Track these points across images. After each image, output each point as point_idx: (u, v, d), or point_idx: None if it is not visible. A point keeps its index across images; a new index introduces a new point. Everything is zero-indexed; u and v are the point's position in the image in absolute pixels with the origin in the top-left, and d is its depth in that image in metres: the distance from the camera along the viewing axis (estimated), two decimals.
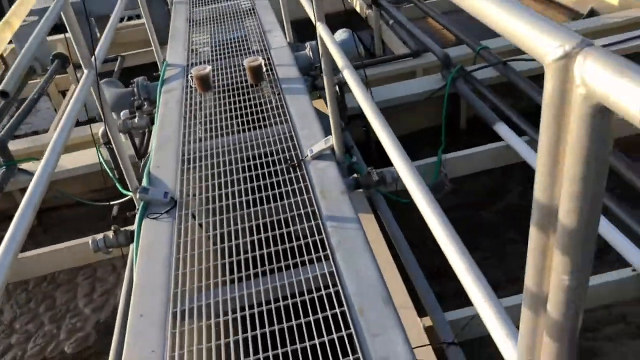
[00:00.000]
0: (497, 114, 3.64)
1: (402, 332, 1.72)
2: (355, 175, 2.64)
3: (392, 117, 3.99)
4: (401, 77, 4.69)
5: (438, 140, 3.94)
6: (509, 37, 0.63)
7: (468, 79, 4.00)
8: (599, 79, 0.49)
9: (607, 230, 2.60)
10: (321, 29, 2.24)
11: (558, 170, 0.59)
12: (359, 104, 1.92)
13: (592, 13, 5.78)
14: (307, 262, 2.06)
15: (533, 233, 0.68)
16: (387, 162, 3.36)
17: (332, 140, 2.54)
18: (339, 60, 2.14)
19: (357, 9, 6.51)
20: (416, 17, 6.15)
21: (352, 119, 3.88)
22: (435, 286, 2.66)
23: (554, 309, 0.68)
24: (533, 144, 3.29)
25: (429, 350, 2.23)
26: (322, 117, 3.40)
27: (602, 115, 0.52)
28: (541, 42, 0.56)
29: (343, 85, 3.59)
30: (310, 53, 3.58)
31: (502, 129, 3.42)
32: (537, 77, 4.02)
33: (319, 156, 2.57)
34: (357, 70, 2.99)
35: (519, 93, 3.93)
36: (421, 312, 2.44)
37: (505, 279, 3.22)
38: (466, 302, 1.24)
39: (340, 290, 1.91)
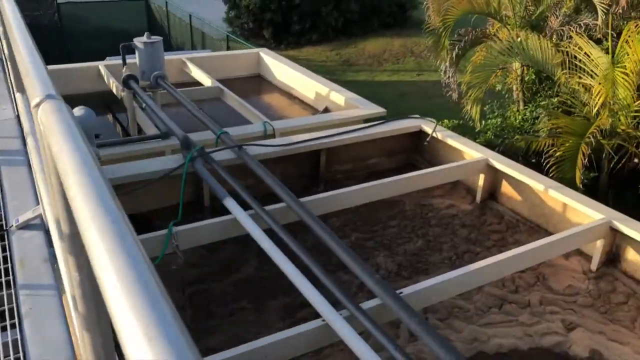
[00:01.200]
0: (231, 192, 3.98)
1: None
2: None
3: (131, 194, 4.09)
4: (151, 156, 4.83)
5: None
6: None
7: (207, 159, 4.32)
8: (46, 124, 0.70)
9: (306, 289, 3.00)
10: (19, 99, 2.28)
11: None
12: None
13: (327, 110, 6.81)
14: None
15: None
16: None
17: (40, 209, 2.53)
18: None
19: (114, 90, 6.59)
20: (173, 103, 6.48)
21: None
22: None
23: None
24: (255, 217, 3.67)
25: None
26: None
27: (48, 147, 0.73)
28: (30, 89, 0.76)
29: None
30: None
31: (230, 203, 3.76)
32: (265, 161, 4.54)
33: (26, 226, 2.52)
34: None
35: (252, 174, 4.38)
36: None
37: (233, 343, 3.41)
38: None
39: (21, 357, 1.87)
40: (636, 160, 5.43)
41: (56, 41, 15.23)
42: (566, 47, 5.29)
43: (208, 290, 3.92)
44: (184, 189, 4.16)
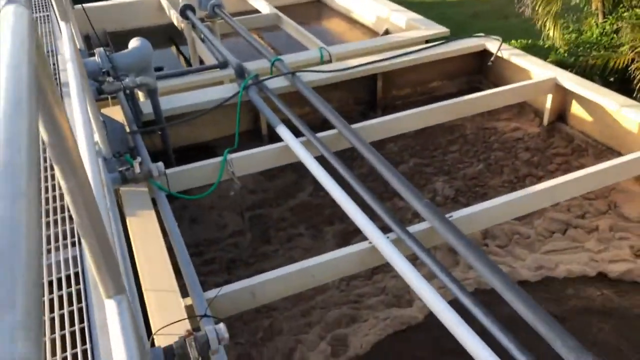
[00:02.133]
0: (285, 120, 4.00)
1: None
2: (121, 169, 2.76)
3: (190, 123, 4.20)
4: (209, 86, 4.90)
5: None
6: None
7: (261, 87, 4.33)
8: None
9: (356, 215, 3.01)
10: (63, 28, 2.35)
11: None
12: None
13: (387, 32, 6.55)
14: (52, 250, 2.15)
15: None
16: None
17: (97, 137, 2.65)
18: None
19: (175, 22, 6.66)
20: (232, 33, 6.48)
21: (147, 124, 4.01)
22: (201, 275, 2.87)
23: None
24: (307, 144, 3.67)
25: (187, 324, 2.42)
26: (112, 122, 3.49)
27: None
28: None
29: (133, 90, 3.71)
30: (99, 59, 3.64)
31: (282, 130, 3.77)
32: (320, 88, 4.48)
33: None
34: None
35: (306, 102, 4.36)
36: (185, 293, 2.63)
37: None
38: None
39: (80, 271, 2.03)
40: None
41: None
42: None
43: (266, 215, 4.05)
44: (240, 118, 4.21)
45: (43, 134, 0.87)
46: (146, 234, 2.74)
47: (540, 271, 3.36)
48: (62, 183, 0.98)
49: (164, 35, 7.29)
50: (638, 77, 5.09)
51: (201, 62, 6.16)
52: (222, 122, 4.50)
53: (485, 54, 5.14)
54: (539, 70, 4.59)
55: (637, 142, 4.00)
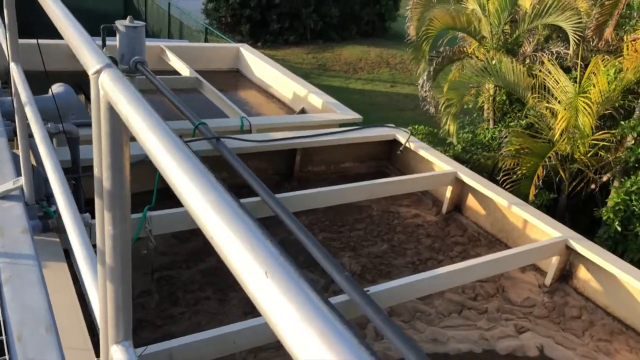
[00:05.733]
0: None
1: (60, 355, 1.79)
2: (42, 217, 2.63)
3: None
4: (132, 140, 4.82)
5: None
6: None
7: None
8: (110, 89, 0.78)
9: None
10: (14, 70, 2.30)
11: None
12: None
13: (303, 110, 6.90)
14: None
15: None
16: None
17: (22, 181, 2.53)
18: (28, 110, 2.22)
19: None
20: (151, 90, 6.45)
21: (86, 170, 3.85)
22: None
23: None
24: None
25: None
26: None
27: (112, 111, 0.80)
28: (86, 60, 0.83)
29: (52, 136, 3.57)
30: None
31: None
32: (241, 156, 4.59)
33: (5, 196, 2.52)
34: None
35: (228, 167, 4.43)
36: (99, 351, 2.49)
37: (194, 331, 3.45)
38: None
39: (1, 322, 1.89)
40: (593, 186, 5.74)
41: (28, 14, 14.82)
42: (537, 70, 5.55)
43: (175, 277, 3.95)
44: (159, 176, 4.17)
45: None
46: (58, 287, 2.60)
47: (434, 345, 3.59)
48: None
49: (72, 82, 7.06)
50: (509, 179, 5.81)
51: None
52: (141, 176, 4.41)
53: (394, 142, 5.60)
54: (441, 163, 5.09)
55: (522, 236, 4.52)
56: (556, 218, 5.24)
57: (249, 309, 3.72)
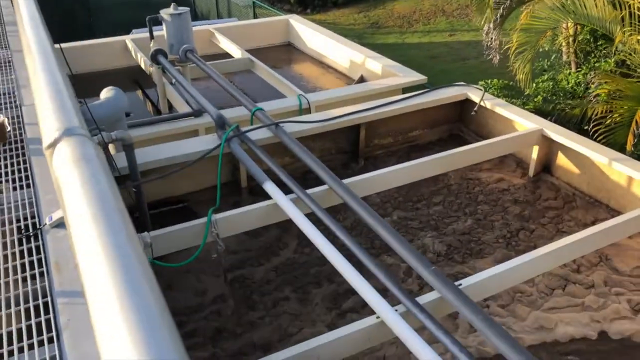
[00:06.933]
0: (268, 172, 3.76)
1: None
2: None
3: (166, 178, 3.91)
4: (184, 136, 4.64)
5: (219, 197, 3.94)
6: None
7: (243, 138, 4.09)
8: None
9: (355, 279, 2.80)
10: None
11: None
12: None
13: (362, 78, 6.48)
14: (25, 348, 1.82)
15: None
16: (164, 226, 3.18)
17: None
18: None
19: (142, 65, 6.39)
20: (203, 77, 6.26)
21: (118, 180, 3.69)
22: None
23: None
24: (298, 202, 3.45)
25: None
26: None
27: None
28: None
29: (107, 144, 3.41)
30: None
31: (270, 187, 3.54)
32: (303, 138, 4.29)
33: (60, 224, 2.35)
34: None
35: (289, 153, 4.16)
36: None
37: (277, 338, 3.25)
38: None
39: None
40: None
41: (79, 15, 15.04)
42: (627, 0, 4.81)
43: (249, 277, 3.76)
44: (223, 173, 3.96)
45: None
46: None
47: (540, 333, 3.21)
48: None
49: (128, 78, 6.99)
50: (602, 128, 5.16)
51: (170, 107, 5.90)
52: (197, 174, 4.23)
53: (467, 102, 5.10)
54: (523, 120, 4.56)
55: (627, 195, 3.98)
56: None
57: (333, 304, 3.47)
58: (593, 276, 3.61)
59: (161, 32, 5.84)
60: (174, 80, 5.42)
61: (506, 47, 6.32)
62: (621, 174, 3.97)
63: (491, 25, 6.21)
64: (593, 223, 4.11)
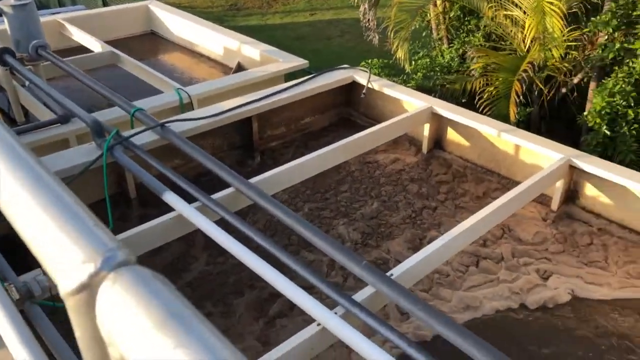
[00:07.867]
0: (162, 179, 3.38)
1: None
2: None
3: None
4: (51, 147, 4.02)
5: (106, 217, 3.47)
6: None
7: (126, 145, 3.64)
8: None
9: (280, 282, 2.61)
10: None
11: None
12: None
13: (240, 66, 6.16)
14: None
15: None
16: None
17: None
18: None
19: None
20: (59, 76, 5.53)
21: None
22: None
23: None
24: (204, 209, 3.14)
25: None
26: None
27: None
28: None
29: None
30: None
31: (171, 198, 3.17)
32: (192, 138, 3.95)
33: None
34: None
35: (179, 154, 3.79)
36: None
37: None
38: None
39: None
40: (564, 90, 5.48)
41: None
42: None
43: None
44: (107, 185, 3.49)
45: None
46: None
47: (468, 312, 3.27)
48: None
49: None
50: (485, 98, 5.44)
51: (26, 114, 5.13)
52: (75, 191, 3.70)
53: (354, 85, 5.05)
54: (412, 99, 4.61)
55: (516, 162, 4.20)
56: (532, 130, 4.95)
57: (259, 313, 3.23)
58: (500, 249, 3.75)
59: (2, 26, 5.02)
60: (27, 83, 4.70)
61: (383, 25, 6.39)
62: (508, 143, 4.18)
63: (367, 6, 6.22)
64: (484, 194, 4.30)
